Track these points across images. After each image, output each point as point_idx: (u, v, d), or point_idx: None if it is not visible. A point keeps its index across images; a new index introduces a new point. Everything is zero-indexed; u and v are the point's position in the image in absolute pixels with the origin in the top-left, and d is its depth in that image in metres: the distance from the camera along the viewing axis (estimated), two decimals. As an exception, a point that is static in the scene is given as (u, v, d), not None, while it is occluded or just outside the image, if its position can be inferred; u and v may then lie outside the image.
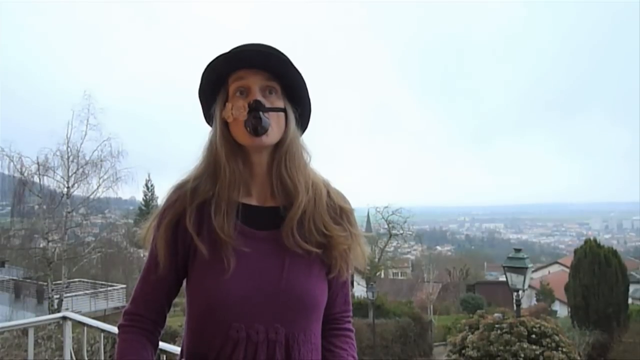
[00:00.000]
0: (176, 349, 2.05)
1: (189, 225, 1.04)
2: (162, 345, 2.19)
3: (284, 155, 1.08)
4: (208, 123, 1.13)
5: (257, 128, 1.01)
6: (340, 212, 1.13)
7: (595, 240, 14.45)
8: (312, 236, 1.07)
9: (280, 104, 1.07)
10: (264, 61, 1.04)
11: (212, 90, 1.09)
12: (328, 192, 1.13)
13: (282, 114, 1.07)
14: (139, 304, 1.10)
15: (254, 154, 1.08)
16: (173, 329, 10.63)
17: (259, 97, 1.03)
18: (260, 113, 1.01)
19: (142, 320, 1.09)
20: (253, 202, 1.10)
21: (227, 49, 1.08)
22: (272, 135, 1.04)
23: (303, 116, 1.14)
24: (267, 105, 1.04)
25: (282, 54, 1.07)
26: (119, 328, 1.10)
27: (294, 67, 1.07)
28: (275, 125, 1.05)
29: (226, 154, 1.05)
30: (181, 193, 1.08)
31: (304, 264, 1.06)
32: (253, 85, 1.05)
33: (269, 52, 1.05)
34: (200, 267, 1.04)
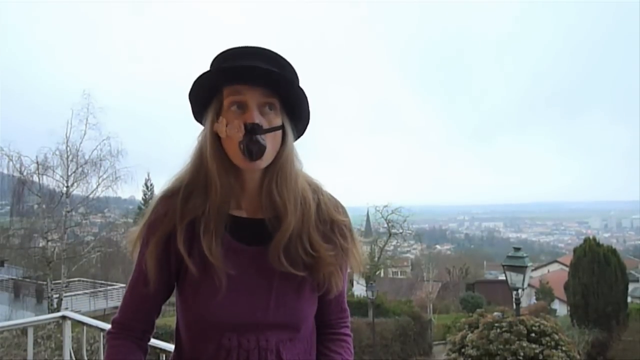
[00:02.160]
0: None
1: (180, 244, 1.02)
2: (163, 344, 2.19)
3: (277, 173, 1.03)
4: (198, 121, 1.08)
5: (252, 152, 0.95)
6: (331, 225, 1.09)
7: (594, 239, 14.48)
8: (298, 257, 1.03)
9: (278, 121, 1.00)
10: (265, 79, 0.97)
11: (204, 97, 1.03)
12: (318, 203, 1.09)
13: (279, 132, 1.01)
14: (128, 314, 1.09)
15: (246, 172, 1.03)
16: (172, 328, 10.63)
17: (257, 119, 0.96)
18: (257, 136, 0.95)
19: (131, 329, 1.09)
20: (243, 214, 1.07)
21: (224, 47, 1.03)
22: (267, 158, 0.99)
23: (299, 129, 1.09)
24: (265, 126, 0.97)
25: (283, 65, 1.02)
26: (107, 335, 1.10)
27: (297, 85, 1.01)
28: (270, 146, 0.99)
29: (218, 169, 1.01)
30: (170, 206, 1.04)
31: (294, 283, 1.05)
32: (251, 102, 0.97)
33: (269, 70, 0.97)
34: (191, 285, 1.03)
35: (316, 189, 1.11)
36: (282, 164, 1.03)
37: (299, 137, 1.11)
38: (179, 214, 1.03)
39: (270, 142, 0.98)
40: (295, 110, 1.04)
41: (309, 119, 1.09)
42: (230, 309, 1.00)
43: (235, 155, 0.98)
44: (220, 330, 1.01)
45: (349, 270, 1.16)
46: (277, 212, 1.04)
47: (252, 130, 0.95)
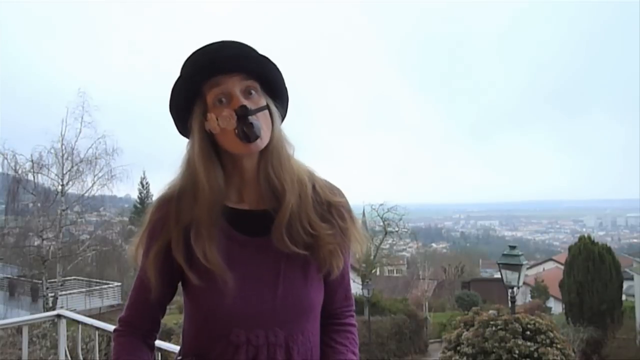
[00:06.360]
0: (171, 347, 2.05)
1: (178, 255, 1.03)
2: (158, 342, 2.18)
3: (270, 154, 1.05)
4: (183, 135, 1.10)
5: (249, 135, 0.98)
6: (328, 207, 1.10)
7: (589, 237, 14.54)
8: (299, 237, 1.04)
9: (262, 101, 1.04)
10: (241, 64, 1.02)
11: (186, 102, 1.05)
12: (314, 186, 1.10)
13: (267, 112, 1.04)
14: (134, 313, 1.11)
15: (245, 159, 1.05)
16: (168, 326, 10.62)
17: (244, 102, 1.00)
18: (250, 118, 0.98)
19: (138, 327, 1.11)
20: (245, 207, 1.08)
21: (204, 44, 1.03)
22: (264, 138, 1.02)
23: (282, 108, 1.12)
24: (253, 107, 1.01)
25: (250, 49, 1.04)
26: (114, 332, 1.11)
27: (271, 62, 1.05)
28: (264, 126, 1.02)
29: (205, 166, 1.03)
30: (165, 212, 1.06)
31: (299, 268, 1.06)
32: (233, 90, 1.01)
33: (243, 55, 1.02)
34: (197, 287, 1.03)
35: (310, 174, 1.12)
36: (274, 145, 1.06)
37: (283, 118, 1.14)
38: (173, 220, 1.05)
39: (263, 121, 1.02)
40: (274, 89, 1.08)
41: (287, 97, 1.13)
42: (239, 302, 1.01)
43: (233, 143, 1.01)
44: (228, 326, 1.01)
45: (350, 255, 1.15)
46: (278, 198, 1.05)
47: (243, 114, 0.98)
